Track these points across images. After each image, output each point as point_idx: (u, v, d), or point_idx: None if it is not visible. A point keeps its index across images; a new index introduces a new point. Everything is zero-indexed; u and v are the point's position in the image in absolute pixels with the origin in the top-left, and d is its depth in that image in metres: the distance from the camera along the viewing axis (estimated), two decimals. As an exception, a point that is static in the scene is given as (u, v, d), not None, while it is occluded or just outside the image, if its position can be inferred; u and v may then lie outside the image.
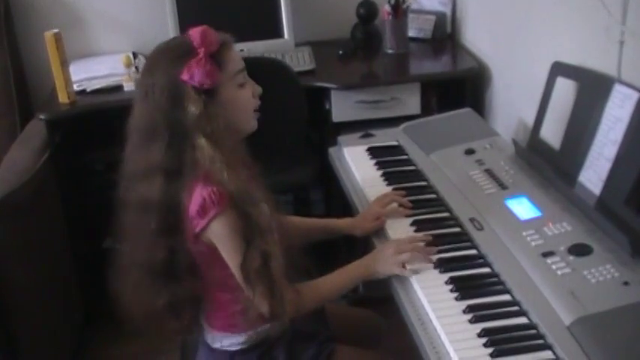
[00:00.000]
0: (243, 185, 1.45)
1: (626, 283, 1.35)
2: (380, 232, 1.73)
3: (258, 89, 1.56)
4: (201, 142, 1.42)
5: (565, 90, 1.79)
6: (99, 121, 2.59)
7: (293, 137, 2.61)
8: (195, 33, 1.45)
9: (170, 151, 1.43)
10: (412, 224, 1.71)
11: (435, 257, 1.56)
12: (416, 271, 1.52)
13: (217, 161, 1.42)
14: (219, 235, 1.45)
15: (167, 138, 1.43)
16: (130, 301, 1.52)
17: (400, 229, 1.70)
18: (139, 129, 1.47)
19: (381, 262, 1.58)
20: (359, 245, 1.79)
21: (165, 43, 1.53)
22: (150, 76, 1.46)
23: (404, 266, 1.55)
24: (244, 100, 1.53)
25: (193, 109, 1.42)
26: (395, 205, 1.78)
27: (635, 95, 1.54)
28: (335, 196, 1.90)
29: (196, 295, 1.55)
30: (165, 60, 1.45)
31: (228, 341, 1.59)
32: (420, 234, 1.66)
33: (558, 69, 1.84)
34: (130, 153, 1.49)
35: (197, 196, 1.43)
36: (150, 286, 1.50)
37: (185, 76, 1.42)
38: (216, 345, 1.61)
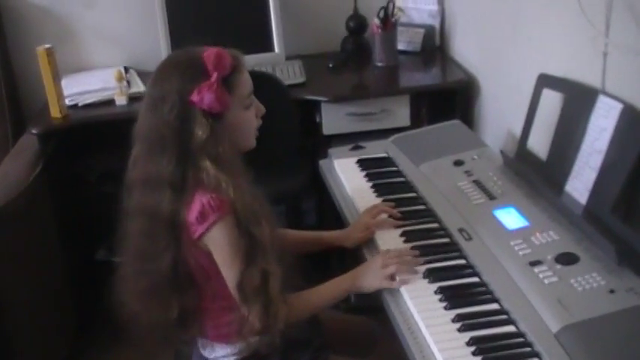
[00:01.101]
0: (248, 204, 1.46)
1: (612, 291, 1.37)
2: (370, 242, 1.75)
3: (262, 109, 1.57)
4: (206, 164, 1.43)
5: (551, 101, 1.82)
6: (91, 134, 2.61)
7: (284, 149, 2.63)
8: (210, 55, 1.43)
9: (178, 167, 1.43)
10: (402, 235, 1.72)
11: (424, 267, 1.57)
12: (404, 282, 1.54)
13: (222, 182, 1.43)
14: (218, 242, 1.46)
15: (175, 154, 1.43)
16: (137, 312, 1.52)
17: (390, 239, 1.72)
18: (147, 138, 1.47)
19: (368, 276, 1.58)
20: (349, 256, 1.80)
21: (178, 56, 1.52)
22: (160, 89, 1.45)
23: (393, 278, 1.56)
24: (249, 122, 1.54)
25: (200, 132, 1.42)
26: (384, 215, 1.79)
27: (619, 106, 1.57)
28: (327, 206, 1.91)
29: (200, 306, 1.55)
30: (176, 76, 1.44)
31: (222, 352, 1.60)
32: (408, 245, 1.67)
33: (544, 81, 1.87)
34: (137, 158, 1.49)
35: (196, 202, 1.43)
36: (160, 297, 1.50)
37: (195, 98, 1.41)
38: (210, 355, 1.62)
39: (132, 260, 1.53)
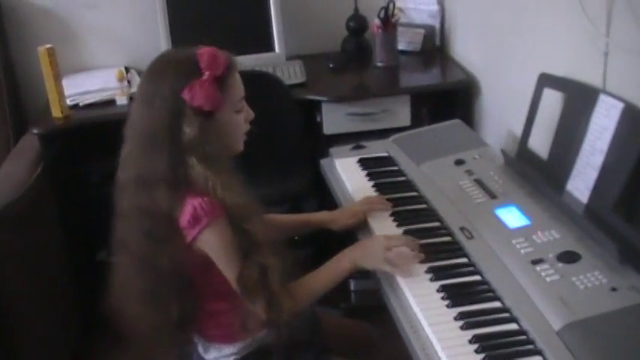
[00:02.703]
0: (237, 201, 1.46)
1: (613, 289, 1.37)
2: (367, 231, 1.76)
3: (251, 115, 1.57)
4: (194, 162, 1.44)
5: (552, 101, 1.83)
6: (92, 134, 2.61)
7: (286, 149, 2.63)
8: (204, 54, 1.45)
9: (170, 162, 1.44)
10: (404, 234, 1.72)
11: (426, 266, 1.57)
12: (404, 273, 1.55)
13: (210, 180, 1.44)
14: (212, 245, 1.46)
15: (167, 149, 1.44)
16: (136, 314, 1.52)
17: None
18: (140, 134, 1.47)
19: (370, 256, 1.59)
20: (349, 241, 1.80)
21: (173, 53, 1.55)
22: (153, 84, 1.47)
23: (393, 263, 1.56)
24: (237, 125, 1.54)
25: (188, 130, 1.43)
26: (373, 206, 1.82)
27: (620, 105, 1.58)
28: (329, 206, 1.92)
29: (199, 308, 1.55)
30: (170, 72, 1.45)
31: (222, 352, 1.61)
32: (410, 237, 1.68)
33: (545, 80, 1.88)
34: (128, 157, 1.49)
35: (188, 206, 1.44)
36: (159, 298, 1.50)
37: (186, 96, 1.42)
38: (209, 357, 1.62)
39: (130, 262, 1.53)
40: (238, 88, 1.53)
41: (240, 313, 1.50)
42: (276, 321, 1.49)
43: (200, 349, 1.64)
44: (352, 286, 2.75)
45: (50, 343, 2.40)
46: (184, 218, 1.44)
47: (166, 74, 1.45)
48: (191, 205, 1.43)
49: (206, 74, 1.43)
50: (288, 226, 1.83)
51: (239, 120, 1.54)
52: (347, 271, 1.60)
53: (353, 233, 1.79)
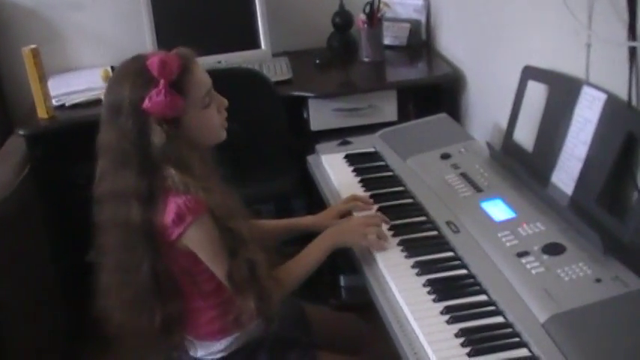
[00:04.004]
0: (220, 201, 1.46)
1: (598, 280, 1.38)
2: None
3: (224, 103, 1.55)
4: (171, 171, 1.43)
5: (536, 93, 1.83)
6: (79, 134, 2.60)
7: (273, 147, 2.63)
8: (153, 63, 1.41)
9: (142, 179, 1.43)
10: (390, 229, 1.72)
11: (412, 260, 1.58)
12: (382, 247, 1.62)
13: (191, 185, 1.43)
14: (198, 241, 1.46)
15: (137, 166, 1.42)
16: (122, 320, 1.52)
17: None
18: (110, 151, 1.45)
19: (349, 233, 1.65)
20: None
21: (127, 65, 1.48)
22: (114, 99, 1.44)
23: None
24: (210, 120, 1.51)
25: (157, 140, 1.41)
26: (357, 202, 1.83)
27: (602, 97, 1.58)
28: (317, 205, 1.92)
29: (187, 309, 1.55)
30: (127, 85, 1.42)
31: (209, 349, 1.61)
32: (392, 233, 1.70)
33: (529, 73, 1.88)
34: (103, 171, 1.48)
35: (171, 205, 1.43)
36: (143, 307, 1.50)
37: (146, 106, 1.40)
38: (198, 355, 1.62)
39: (112, 272, 1.52)
40: (200, 83, 1.49)
41: (231, 308, 1.50)
42: (266, 312, 1.50)
43: (189, 349, 1.63)
44: (342, 282, 2.76)
45: (38, 347, 2.39)
46: (168, 217, 1.44)
47: (124, 88, 1.42)
48: (175, 204, 1.43)
49: (160, 83, 1.40)
50: (273, 232, 1.83)
51: (209, 115, 1.51)
52: (329, 250, 1.64)
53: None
